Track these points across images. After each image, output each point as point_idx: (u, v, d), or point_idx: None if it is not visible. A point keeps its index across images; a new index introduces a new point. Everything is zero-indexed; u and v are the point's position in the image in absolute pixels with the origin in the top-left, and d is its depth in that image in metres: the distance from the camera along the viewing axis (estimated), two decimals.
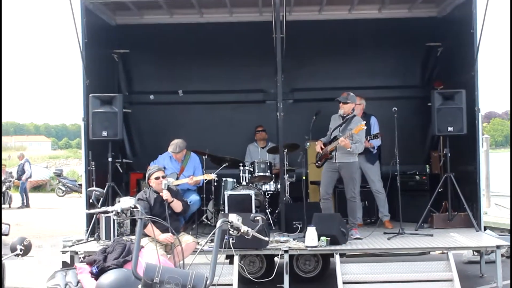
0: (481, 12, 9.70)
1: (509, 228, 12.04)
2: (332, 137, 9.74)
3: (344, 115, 9.69)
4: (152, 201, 8.18)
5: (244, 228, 4.48)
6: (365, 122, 9.39)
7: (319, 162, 9.97)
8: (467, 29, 10.13)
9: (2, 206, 24.24)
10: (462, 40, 10.50)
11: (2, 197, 24.34)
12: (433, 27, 11.96)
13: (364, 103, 10.75)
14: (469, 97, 9.96)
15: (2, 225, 5.61)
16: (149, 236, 7.62)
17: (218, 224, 4.35)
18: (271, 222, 10.37)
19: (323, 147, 9.78)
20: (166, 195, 8.17)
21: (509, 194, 14.08)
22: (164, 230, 7.74)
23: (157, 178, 8.26)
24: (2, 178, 24.97)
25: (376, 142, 10.45)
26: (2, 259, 8.48)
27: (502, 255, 9.69)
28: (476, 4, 9.95)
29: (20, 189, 25.79)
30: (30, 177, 26.73)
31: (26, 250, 5.37)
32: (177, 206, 8.33)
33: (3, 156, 28.97)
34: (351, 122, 9.61)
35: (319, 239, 8.49)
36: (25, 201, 25.13)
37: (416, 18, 12.00)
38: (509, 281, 9.30)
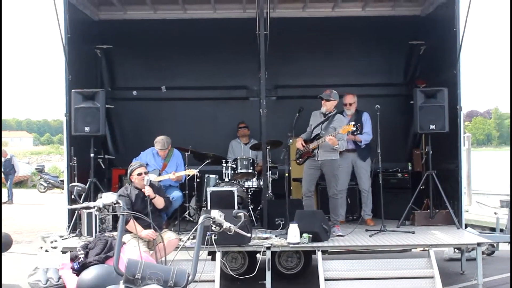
0: (464, 11, 9.74)
1: (489, 226, 12.14)
2: (313, 135, 9.75)
3: (327, 113, 9.70)
4: (134, 197, 8.15)
5: (226, 224, 4.48)
6: (352, 123, 9.42)
7: (300, 159, 9.98)
8: (450, 27, 10.18)
9: None
10: (444, 39, 10.55)
11: None
12: (416, 26, 12.02)
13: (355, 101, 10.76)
14: (451, 96, 10.00)
15: None
16: (131, 232, 7.60)
17: (201, 220, 4.34)
18: (254, 218, 10.37)
19: (303, 144, 9.79)
20: (148, 191, 8.15)
21: (497, 193, 14.18)
22: (146, 226, 7.72)
23: (139, 174, 8.24)
24: None
25: (365, 137, 10.44)
26: None
27: (483, 253, 9.77)
28: (459, 3, 9.98)
29: (8, 184, 25.59)
30: (17, 172, 26.61)
31: (6, 245, 5.34)
32: (159, 202, 8.31)
33: None
34: (333, 120, 9.63)
35: (301, 236, 8.50)
36: (10, 196, 24.97)
37: (399, 16, 12.06)
38: (489, 278, 9.42)
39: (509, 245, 11.01)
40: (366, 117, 10.58)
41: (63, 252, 8.38)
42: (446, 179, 10.26)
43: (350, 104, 10.63)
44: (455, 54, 10.03)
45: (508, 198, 12.48)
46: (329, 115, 9.69)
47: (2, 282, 9.70)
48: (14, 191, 25.59)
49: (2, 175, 26.30)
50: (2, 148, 30.30)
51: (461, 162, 10.11)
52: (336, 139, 9.25)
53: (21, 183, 32.52)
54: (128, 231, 7.56)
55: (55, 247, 8.68)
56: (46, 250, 8.60)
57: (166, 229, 8.88)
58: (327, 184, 9.75)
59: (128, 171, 8.38)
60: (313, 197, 10.02)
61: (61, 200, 13.48)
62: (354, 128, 9.34)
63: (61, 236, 9.11)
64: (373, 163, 10.28)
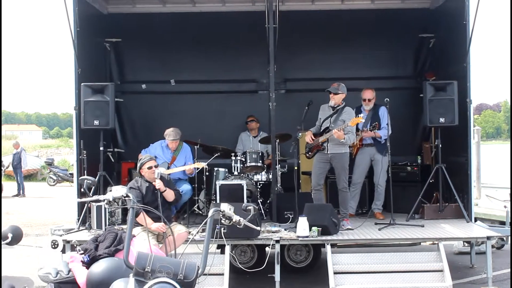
0: (474, 4, 9.71)
1: (499, 219, 12.10)
2: (323, 128, 9.75)
3: (335, 106, 9.70)
4: (144, 189, 8.16)
5: (236, 218, 4.48)
6: (361, 115, 9.41)
7: (310, 153, 9.98)
8: (459, 20, 10.13)
9: None
10: (454, 32, 10.51)
11: None
12: (426, 18, 11.97)
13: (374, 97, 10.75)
14: (461, 89, 9.96)
15: None
16: (141, 225, 7.62)
17: (210, 213, 4.35)
18: (263, 212, 10.39)
19: (313, 137, 9.79)
20: (158, 184, 8.16)
21: (506, 186, 14.13)
22: (156, 219, 7.73)
23: (149, 168, 8.24)
24: None
25: (383, 132, 10.38)
26: None
27: (492, 246, 9.74)
28: None
29: (17, 178, 25.70)
30: (26, 166, 26.72)
31: (16, 238, 5.35)
32: (170, 195, 8.33)
33: None
34: (342, 113, 9.62)
35: (310, 229, 8.50)
36: (21, 190, 25.10)
37: (409, 9, 12.00)
38: (498, 272, 9.39)
39: (510, 238, 10.98)
40: (383, 111, 10.49)
41: (66, 231, 8.45)
42: (456, 172, 10.23)
43: (369, 100, 10.61)
44: (464, 47, 9.99)
45: None
46: (337, 108, 9.69)
47: (14, 274, 9.75)
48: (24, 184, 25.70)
49: (11, 168, 26.41)
50: (16, 140, 30.41)
51: (470, 155, 10.10)
52: (342, 133, 9.23)
53: (30, 176, 32.65)
54: (138, 224, 7.58)
55: (56, 247, 8.74)
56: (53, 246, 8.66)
57: (175, 222, 8.90)
58: (337, 177, 9.74)
59: (138, 165, 8.39)
60: (322, 191, 10.02)
61: (71, 193, 13.51)
62: (363, 120, 9.35)
63: (68, 230, 9.15)
64: (384, 156, 10.26)
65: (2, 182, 25.53)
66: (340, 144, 9.50)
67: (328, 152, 9.61)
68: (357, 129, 10.15)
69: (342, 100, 9.72)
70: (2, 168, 26.41)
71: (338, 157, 9.60)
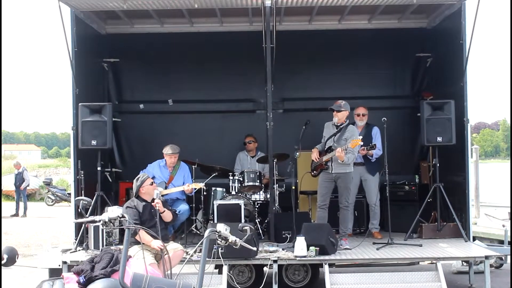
0: (470, 23, 9.77)
1: (498, 238, 12.07)
2: (327, 147, 9.76)
3: (338, 124, 9.72)
4: (141, 208, 8.12)
5: (232, 238, 4.48)
6: (361, 137, 9.45)
7: (314, 171, 10.00)
8: (456, 40, 10.19)
9: None
10: (451, 51, 10.56)
11: None
12: (423, 38, 12.03)
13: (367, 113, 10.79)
14: (458, 108, 9.99)
15: None
16: (139, 244, 7.57)
17: (206, 233, 4.35)
18: (261, 232, 10.36)
19: (318, 156, 9.80)
20: (159, 204, 8.12)
21: (505, 205, 14.11)
22: (154, 237, 7.70)
23: (151, 184, 8.24)
24: None
25: (376, 152, 10.41)
26: None
27: (491, 266, 9.71)
28: (465, 15, 10.02)
29: (17, 197, 25.65)
30: (28, 185, 26.68)
31: (11, 259, 5.34)
32: (168, 216, 8.31)
33: None
34: (346, 131, 9.65)
35: (308, 249, 8.49)
36: (22, 210, 25.04)
37: (406, 28, 12.05)
38: None
39: (510, 256, 10.94)
40: (376, 131, 10.57)
41: (63, 251, 8.44)
42: (454, 191, 10.23)
43: (363, 115, 10.65)
44: (462, 66, 10.04)
45: None
46: (341, 126, 9.72)
47: None
48: (21, 204, 25.61)
49: (14, 188, 26.36)
50: (16, 160, 30.38)
51: (468, 174, 10.10)
52: (343, 154, 9.25)
53: (29, 196, 32.58)
54: (137, 242, 7.54)
55: (56, 246, 8.73)
56: (47, 250, 8.64)
57: (172, 241, 8.87)
58: (339, 195, 9.75)
59: (137, 184, 8.29)
60: (326, 209, 9.97)
61: (69, 213, 13.49)
62: (362, 143, 9.37)
63: (65, 250, 9.13)
64: (380, 176, 10.26)
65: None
66: (344, 164, 9.52)
67: (333, 172, 9.63)
68: None
69: (345, 118, 9.75)
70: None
71: (343, 177, 9.63)
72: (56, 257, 8.64)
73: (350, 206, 10.02)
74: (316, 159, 9.86)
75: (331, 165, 9.64)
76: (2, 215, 24.27)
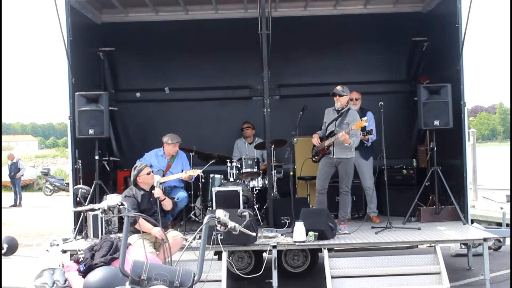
0: (466, 7, 9.73)
1: (496, 221, 12.12)
2: (328, 132, 9.78)
3: (339, 109, 9.74)
4: (140, 197, 8.12)
5: (231, 224, 4.48)
6: (365, 118, 9.48)
7: (316, 157, 10.03)
8: (452, 23, 10.17)
9: None
10: (447, 35, 10.54)
11: None
12: (419, 22, 12.01)
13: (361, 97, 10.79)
14: (455, 91, 9.99)
15: None
16: (137, 232, 7.59)
17: (205, 220, 4.35)
18: (259, 218, 10.37)
19: (319, 141, 9.82)
20: (158, 193, 8.13)
21: (503, 188, 14.16)
22: (154, 225, 7.71)
23: (148, 174, 8.23)
24: None
25: (371, 137, 10.43)
26: None
27: (489, 248, 9.76)
28: None
29: (14, 188, 25.66)
30: (23, 175, 26.69)
31: (11, 249, 5.35)
32: (168, 204, 8.30)
33: None
34: (347, 115, 9.68)
35: (307, 234, 8.50)
36: (18, 200, 25.07)
37: (401, 13, 12.04)
38: (496, 274, 9.40)
39: (510, 238, 10.99)
40: (370, 116, 10.56)
41: (64, 251, 8.45)
42: (452, 175, 10.25)
43: (356, 99, 10.66)
44: (458, 50, 10.03)
45: None
46: (342, 111, 9.74)
47: (9, 285, 9.74)
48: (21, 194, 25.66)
49: (9, 179, 26.38)
50: (10, 152, 30.38)
51: (466, 157, 10.11)
52: (348, 136, 9.28)
53: (27, 187, 32.60)
54: (134, 232, 7.56)
55: (56, 245, 8.73)
56: (47, 250, 8.65)
57: (171, 228, 8.88)
58: (340, 180, 9.81)
59: (134, 173, 8.29)
60: (325, 194, 9.99)
61: (67, 202, 13.51)
62: (367, 123, 9.40)
63: (65, 239, 9.13)
64: (378, 160, 10.27)
65: None
66: (346, 149, 9.56)
67: (334, 157, 9.66)
68: None
69: (346, 103, 9.78)
70: None
71: (344, 162, 9.68)
72: (56, 257, 8.62)
73: (349, 191, 10.06)
74: (317, 144, 9.88)
75: (333, 149, 9.67)
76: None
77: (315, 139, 9.90)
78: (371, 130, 9.91)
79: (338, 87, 9.76)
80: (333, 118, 9.82)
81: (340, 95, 9.70)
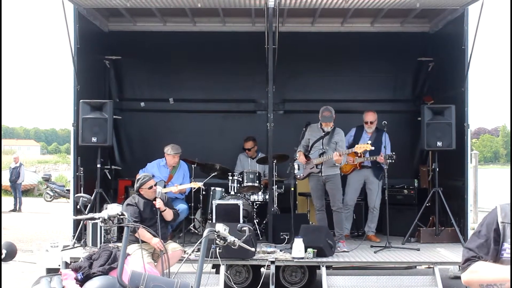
0: (473, 29, 9.77)
1: None
2: (315, 150, 9.72)
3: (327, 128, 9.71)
4: (142, 206, 8.13)
5: (230, 238, 4.47)
6: (370, 142, 9.45)
7: (302, 174, 9.96)
8: (458, 45, 10.20)
9: None
10: (453, 56, 10.57)
11: None
12: (425, 42, 12.05)
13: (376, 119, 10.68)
14: (459, 113, 10.00)
15: None
16: (137, 242, 7.57)
17: (205, 233, 4.34)
18: (259, 232, 10.35)
19: (305, 159, 9.78)
20: (159, 203, 8.13)
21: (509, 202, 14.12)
22: (153, 236, 7.70)
23: (150, 188, 8.22)
24: None
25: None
26: None
27: None
28: (468, 20, 10.03)
29: (14, 192, 25.65)
30: (23, 181, 26.68)
31: (10, 255, 5.34)
32: (169, 215, 8.30)
33: None
34: (334, 134, 9.64)
35: (306, 251, 8.49)
36: (18, 205, 25.05)
37: (408, 32, 12.08)
38: None
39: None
40: (386, 137, 10.27)
41: (64, 249, 8.45)
42: (453, 196, 10.24)
43: (371, 122, 10.56)
44: (463, 71, 10.05)
45: None
46: (329, 130, 9.69)
47: None
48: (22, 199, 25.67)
49: (9, 184, 26.38)
50: (16, 154, 30.40)
51: (467, 179, 10.11)
52: (341, 158, 9.29)
53: (27, 192, 32.58)
54: (133, 242, 7.54)
55: (56, 246, 8.72)
56: (47, 250, 8.63)
57: (170, 240, 8.87)
58: (331, 198, 9.72)
59: (137, 185, 8.31)
60: (325, 211, 9.94)
61: (67, 209, 13.49)
62: (373, 148, 9.38)
63: (64, 247, 9.11)
64: (380, 180, 10.26)
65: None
66: (333, 166, 9.53)
67: (323, 175, 9.61)
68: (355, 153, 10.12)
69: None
70: None
71: (333, 178, 9.62)
72: (56, 257, 8.62)
73: (347, 208, 10.07)
74: (304, 162, 9.83)
75: (322, 168, 9.63)
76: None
77: (302, 158, 9.83)
78: (393, 154, 9.84)
79: (326, 113, 9.58)
80: (319, 136, 9.75)
81: (330, 122, 9.64)
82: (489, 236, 3.24)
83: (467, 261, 3.21)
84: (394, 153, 9.92)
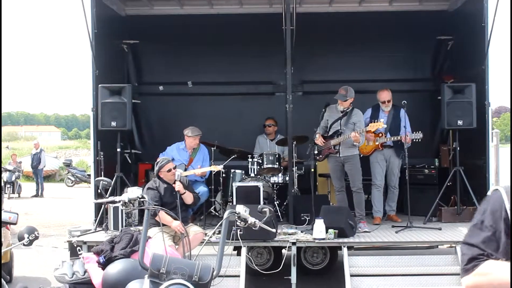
0: (493, 6, 9.64)
1: None
2: (332, 131, 9.70)
3: (344, 109, 9.67)
4: (162, 190, 8.15)
5: (251, 220, 4.47)
6: (382, 120, 9.42)
7: (320, 155, 9.94)
8: (478, 22, 10.08)
9: (12, 196, 24.43)
10: (473, 34, 10.45)
11: (12, 186, 24.55)
12: (444, 21, 11.91)
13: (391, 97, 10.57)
14: (479, 91, 9.90)
15: (11, 214, 5.61)
16: (157, 225, 7.60)
17: (226, 215, 4.34)
18: (279, 214, 10.35)
19: (323, 140, 9.75)
20: (178, 186, 8.13)
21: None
22: (173, 219, 7.72)
23: (169, 171, 8.23)
24: (12, 167, 25.13)
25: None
26: (11, 248, 8.54)
27: None
28: None
29: (36, 178, 25.94)
30: (44, 166, 26.96)
31: (33, 239, 5.38)
32: (189, 198, 8.29)
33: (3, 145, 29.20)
34: (352, 115, 9.60)
35: (327, 232, 8.48)
36: (40, 190, 25.33)
37: (427, 11, 11.95)
38: None
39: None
40: (403, 114, 10.16)
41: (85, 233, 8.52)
42: (474, 175, 10.16)
43: (388, 101, 10.45)
44: (483, 49, 9.93)
45: None
46: (346, 110, 9.66)
47: (31, 275, 9.83)
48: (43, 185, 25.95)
49: (31, 169, 26.67)
50: (36, 140, 30.67)
51: (489, 158, 10.03)
52: (359, 136, 9.24)
53: (49, 177, 32.87)
54: (154, 225, 7.56)
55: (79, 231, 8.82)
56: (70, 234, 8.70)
57: (191, 223, 8.90)
58: (351, 179, 9.69)
59: (156, 168, 8.34)
60: (345, 191, 9.93)
61: (88, 194, 13.60)
62: (385, 125, 9.33)
63: (85, 231, 9.18)
64: (400, 159, 10.20)
65: (21, 183, 25.80)
66: (351, 146, 9.52)
67: (341, 155, 9.59)
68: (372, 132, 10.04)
69: (350, 103, 9.69)
70: (21, 169, 26.70)
71: (352, 159, 9.60)
72: (78, 242, 8.68)
73: (379, 188, 10.13)
74: (322, 144, 9.81)
75: (340, 148, 9.59)
76: (23, 195, 24.61)
77: (320, 140, 9.81)
78: (420, 133, 9.78)
79: (342, 91, 9.61)
80: (337, 117, 9.73)
81: (344, 101, 9.63)
82: (497, 228, 2.54)
83: (472, 261, 2.56)
84: (420, 131, 9.84)
